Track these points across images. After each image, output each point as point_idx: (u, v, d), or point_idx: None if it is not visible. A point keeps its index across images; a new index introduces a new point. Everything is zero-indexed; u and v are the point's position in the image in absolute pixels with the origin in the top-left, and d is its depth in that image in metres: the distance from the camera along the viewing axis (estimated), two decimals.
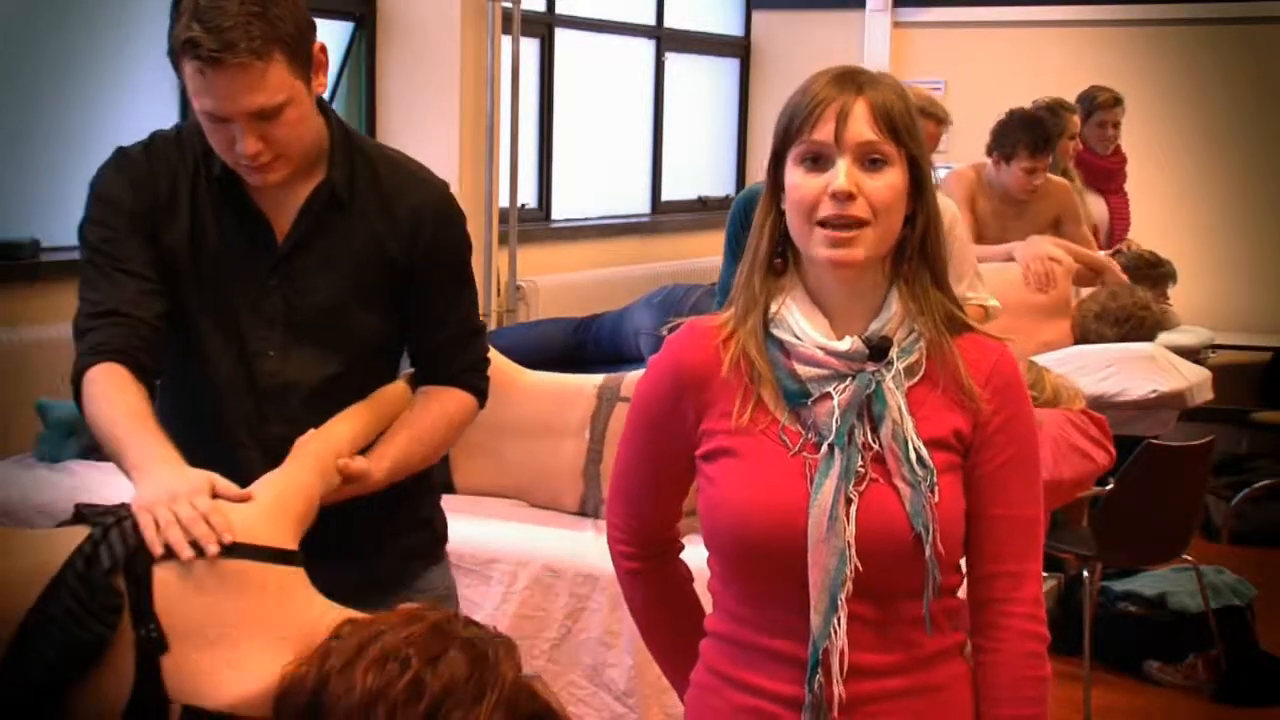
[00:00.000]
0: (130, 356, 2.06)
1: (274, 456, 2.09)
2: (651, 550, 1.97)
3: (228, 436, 2.20)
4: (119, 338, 2.07)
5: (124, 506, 1.87)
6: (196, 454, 1.99)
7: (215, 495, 1.86)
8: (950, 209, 4.08)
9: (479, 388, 2.34)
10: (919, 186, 1.75)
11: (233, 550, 1.77)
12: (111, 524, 1.80)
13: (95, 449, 3.81)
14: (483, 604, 3.30)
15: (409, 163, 2.30)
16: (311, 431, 2.11)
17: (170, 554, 1.76)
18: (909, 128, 1.73)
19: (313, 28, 2.11)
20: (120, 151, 2.21)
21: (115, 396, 2.02)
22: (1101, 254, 5.75)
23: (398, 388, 2.29)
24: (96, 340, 2.07)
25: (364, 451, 2.16)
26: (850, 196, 1.70)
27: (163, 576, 1.76)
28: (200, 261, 2.17)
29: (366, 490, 2.14)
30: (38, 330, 4.09)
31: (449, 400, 2.29)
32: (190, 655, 1.73)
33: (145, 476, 1.89)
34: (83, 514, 1.87)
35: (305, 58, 2.08)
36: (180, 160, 2.18)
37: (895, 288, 1.77)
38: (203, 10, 1.99)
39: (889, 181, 1.72)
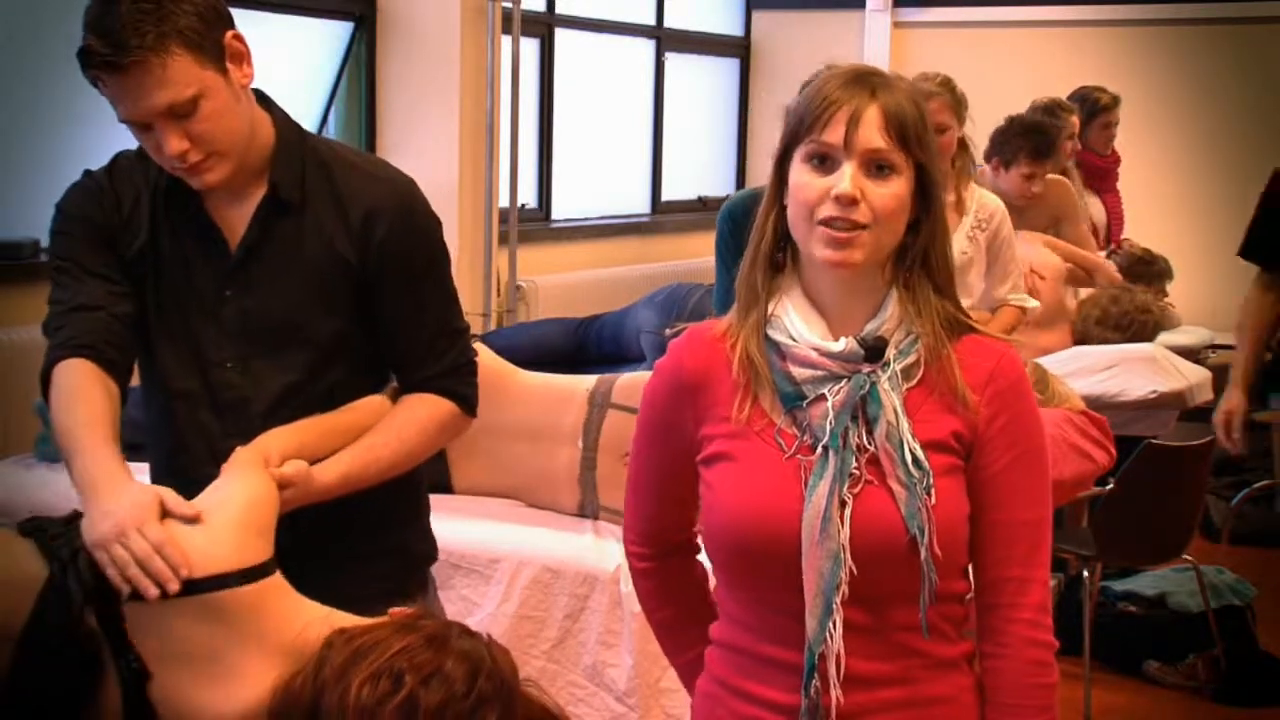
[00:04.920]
0: (99, 352, 2.06)
1: None
2: (662, 551, 1.95)
3: (190, 451, 2.18)
4: (88, 332, 2.08)
5: (72, 519, 1.85)
6: (165, 468, 2.04)
7: (165, 513, 1.82)
8: (999, 206, 4.05)
9: (460, 393, 2.25)
10: (925, 195, 1.73)
11: (197, 586, 1.74)
12: (67, 559, 1.77)
13: None
14: (483, 604, 3.30)
15: (368, 163, 2.26)
16: (239, 447, 2.04)
17: (137, 594, 1.73)
18: (920, 136, 1.71)
19: (222, 18, 2.06)
20: (86, 173, 2.22)
21: (76, 400, 2.01)
22: (1099, 254, 5.75)
23: (373, 401, 2.22)
24: (66, 335, 2.08)
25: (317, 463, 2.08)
26: (853, 201, 1.67)
27: (133, 608, 1.74)
28: (159, 274, 2.17)
29: (313, 499, 2.06)
30: (38, 330, 4.07)
31: (422, 406, 2.22)
32: (176, 677, 1.72)
33: (90, 499, 1.86)
34: (30, 528, 1.84)
35: (214, 48, 2.03)
36: (143, 177, 2.18)
37: (894, 289, 1.75)
38: (95, 19, 1.99)
39: (894, 190, 1.69)
